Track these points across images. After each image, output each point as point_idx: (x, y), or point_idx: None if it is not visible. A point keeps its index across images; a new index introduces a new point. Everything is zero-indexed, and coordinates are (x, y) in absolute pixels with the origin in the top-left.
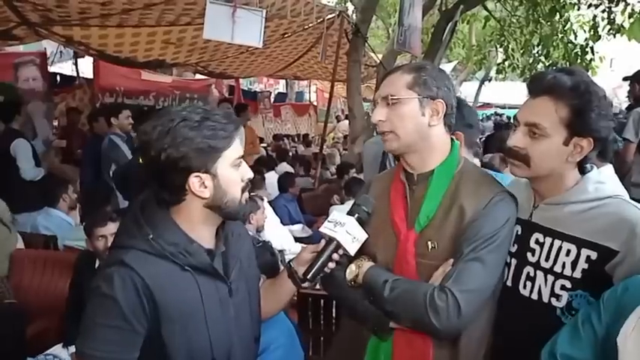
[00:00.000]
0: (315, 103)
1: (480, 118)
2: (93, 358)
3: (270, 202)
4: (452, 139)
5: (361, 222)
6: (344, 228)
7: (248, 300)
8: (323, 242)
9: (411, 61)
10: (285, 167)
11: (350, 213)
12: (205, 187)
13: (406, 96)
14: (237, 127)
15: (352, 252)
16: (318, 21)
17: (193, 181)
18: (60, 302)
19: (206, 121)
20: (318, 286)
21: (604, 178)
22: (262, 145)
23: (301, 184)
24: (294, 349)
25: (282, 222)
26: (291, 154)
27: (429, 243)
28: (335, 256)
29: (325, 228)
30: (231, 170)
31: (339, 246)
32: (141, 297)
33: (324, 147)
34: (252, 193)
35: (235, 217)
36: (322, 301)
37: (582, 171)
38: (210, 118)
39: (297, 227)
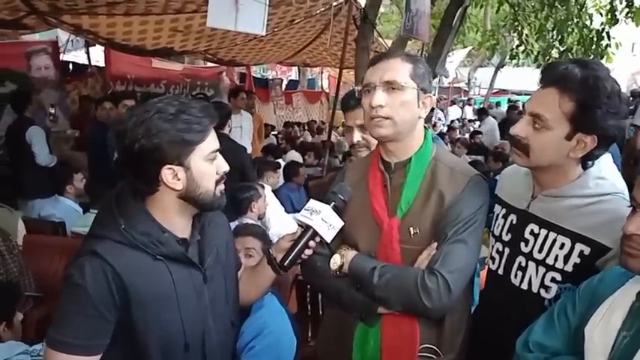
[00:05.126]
0: (327, 91)
1: (495, 104)
2: (63, 344)
3: (274, 191)
4: (425, 128)
5: (337, 210)
6: (320, 216)
7: (224, 286)
8: (300, 230)
9: (423, 48)
10: (293, 155)
11: (326, 201)
12: (178, 180)
13: (410, 85)
14: (213, 121)
15: (328, 239)
16: (326, 7)
17: (166, 172)
18: None
19: (181, 114)
20: None
21: (605, 174)
22: (273, 132)
23: (311, 173)
24: (286, 333)
25: (285, 210)
26: (300, 141)
27: (411, 229)
28: (312, 243)
29: (301, 216)
30: (206, 164)
31: (315, 233)
32: (111, 286)
33: (333, 134)
34: (264, 174)
35: (210, 208)
36: None
37: (584, 165)
38: (186, 112)
39: None
